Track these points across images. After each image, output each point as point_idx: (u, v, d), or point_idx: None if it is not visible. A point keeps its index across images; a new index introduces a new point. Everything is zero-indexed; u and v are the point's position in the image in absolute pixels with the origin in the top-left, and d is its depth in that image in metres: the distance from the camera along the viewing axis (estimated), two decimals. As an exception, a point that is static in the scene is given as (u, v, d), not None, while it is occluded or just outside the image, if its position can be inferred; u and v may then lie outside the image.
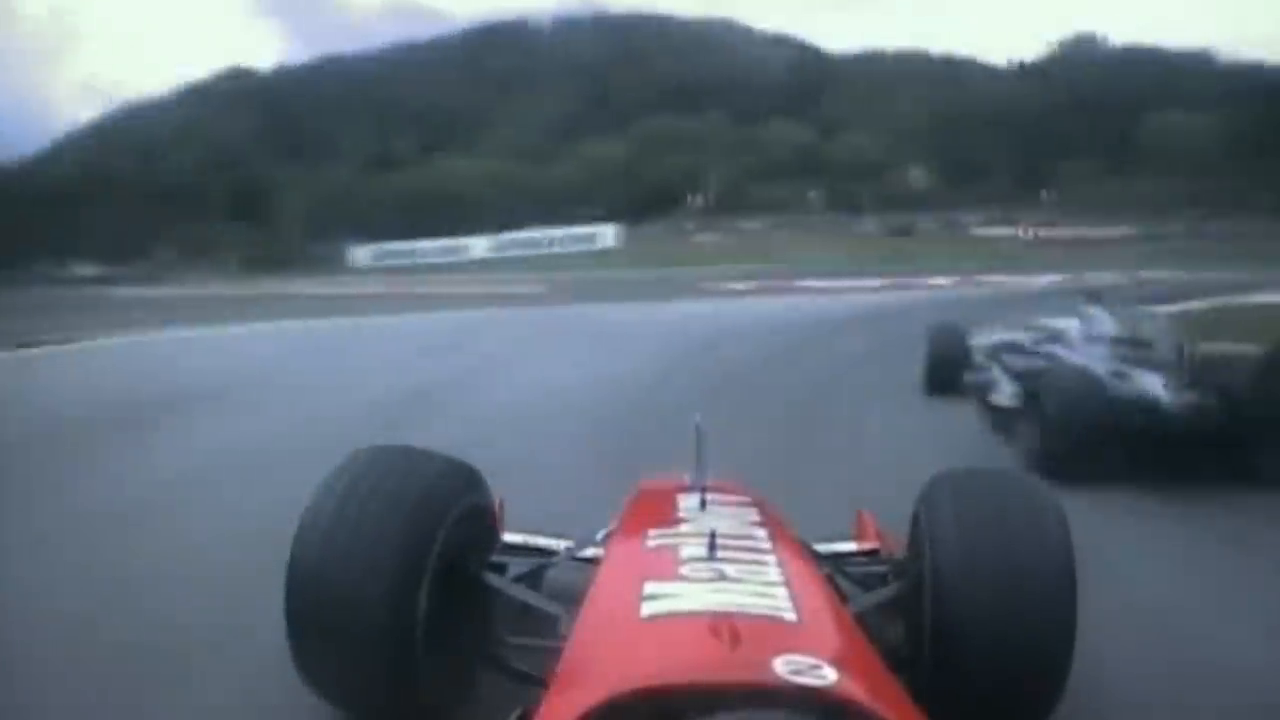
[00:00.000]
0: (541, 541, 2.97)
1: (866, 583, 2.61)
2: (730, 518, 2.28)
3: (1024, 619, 2.04)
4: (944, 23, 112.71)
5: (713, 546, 1.91)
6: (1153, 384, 5.19)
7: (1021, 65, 60.36)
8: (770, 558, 1.96)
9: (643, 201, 43.26)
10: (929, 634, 2.12)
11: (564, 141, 49.29)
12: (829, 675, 1.32)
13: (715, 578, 1.77)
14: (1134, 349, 5.94)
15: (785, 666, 1.33)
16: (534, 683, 1.87)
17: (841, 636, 1.64)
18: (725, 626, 1.46)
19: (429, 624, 2.12)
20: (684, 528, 2.15)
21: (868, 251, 35.40)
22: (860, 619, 1.94)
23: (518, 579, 2.54)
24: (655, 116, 49.81)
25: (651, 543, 2.08)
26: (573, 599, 2.05)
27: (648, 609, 1.63)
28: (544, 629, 2.17)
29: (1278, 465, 4.63)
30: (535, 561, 2.78)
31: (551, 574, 2.75)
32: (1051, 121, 49.37)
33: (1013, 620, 2.03)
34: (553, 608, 2.21)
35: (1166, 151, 44.96)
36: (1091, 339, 6.56)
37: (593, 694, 1.30)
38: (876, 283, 23.45)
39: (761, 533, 2.17)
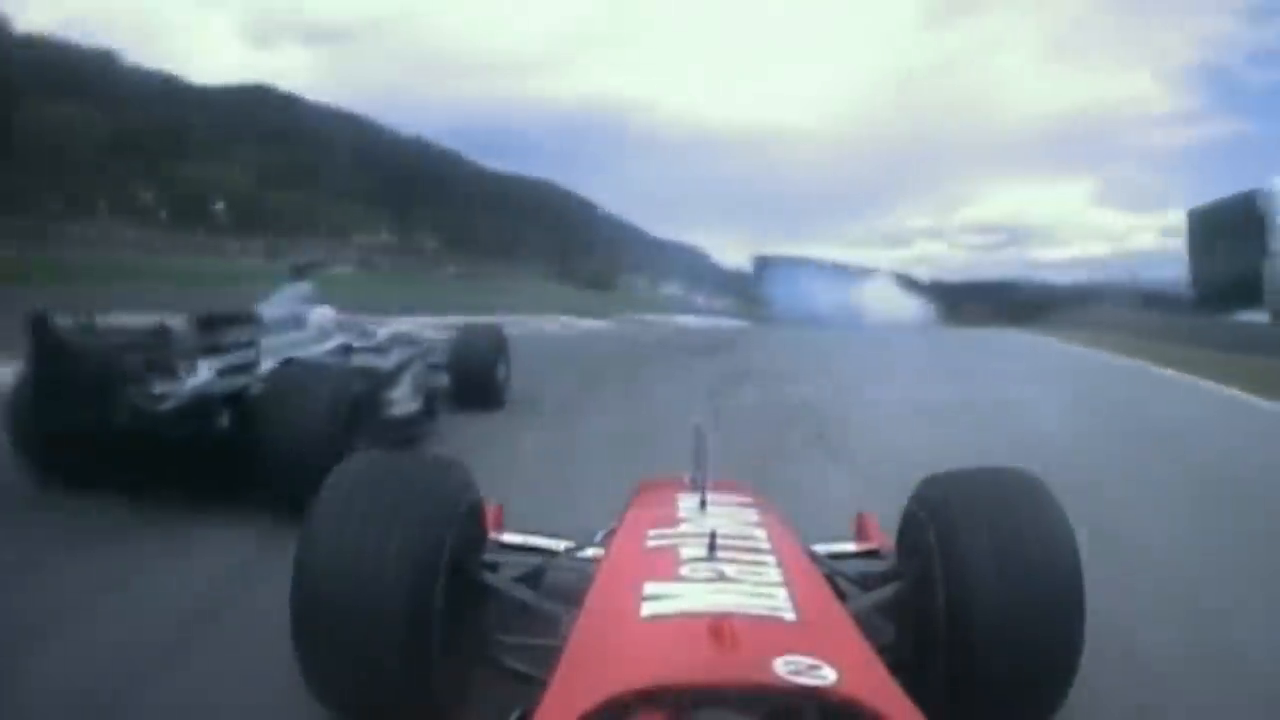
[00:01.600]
0: (542, 541, 2.97)
1: (866, 583, 2.61)
2: (730, 518, 2.28)
3: (1039, 613, 2.08)
4: None
5: (713, 547, 1.90)
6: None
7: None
8: (770, 558, 1.95)
9: None
10: (944, 631, 2.14)
11: None
12: (829, 675, 1.32)
13: (715, 578, 1.77)
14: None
15: (785, 666, 1.33)
16: (534, 683, 1.87)
17: (841, 636, 1.64)
18: (725, 627, 1.45)
19: (442, 627, 2.11)
20: (684, 528, 2.15)
21: None
22: (860, 619, 1.94)
23: (518, 579, 2.54)
24: None
25: (651, 543, 2.08)
26: (573, 599, 2.05)
27: (648, 609, 1.63)
28: (544, 629, 2.17)
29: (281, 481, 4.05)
30: (535, 561, 2.78)
31: (551, 574, 2.75)
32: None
33: (1029, 615, 2.07)
34: (553, 608, 2.21)
35: (48, 143, 39.19)
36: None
37: (593, 694, 1.30)
38: None
39: (761, 533, 2.17)
